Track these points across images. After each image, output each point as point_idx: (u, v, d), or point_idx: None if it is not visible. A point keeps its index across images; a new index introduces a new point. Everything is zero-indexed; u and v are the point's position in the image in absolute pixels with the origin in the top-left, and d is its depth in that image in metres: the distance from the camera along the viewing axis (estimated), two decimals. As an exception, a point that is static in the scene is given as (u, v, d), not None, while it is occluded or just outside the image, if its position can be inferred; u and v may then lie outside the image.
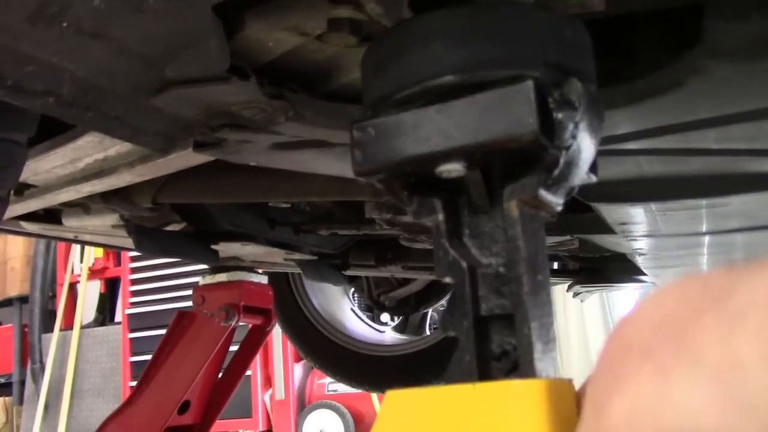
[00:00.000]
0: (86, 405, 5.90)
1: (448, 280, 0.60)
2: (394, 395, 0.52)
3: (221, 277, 2.94)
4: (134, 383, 5.37)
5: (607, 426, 0.25)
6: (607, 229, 1.57)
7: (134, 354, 5.76)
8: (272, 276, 3.18)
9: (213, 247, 2.14)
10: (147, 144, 0.87)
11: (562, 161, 0.58)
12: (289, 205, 2.15)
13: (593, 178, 0.64)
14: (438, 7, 0.61)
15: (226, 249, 2.24)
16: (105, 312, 6.53)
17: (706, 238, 1.64)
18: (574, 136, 0.58)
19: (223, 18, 0.72)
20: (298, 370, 5.67)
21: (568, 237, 2.06)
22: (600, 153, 1.04)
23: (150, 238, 1.95)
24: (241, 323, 2.86)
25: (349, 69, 0.86)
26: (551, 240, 2.17)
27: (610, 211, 1.35)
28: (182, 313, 2.89)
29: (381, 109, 0.63)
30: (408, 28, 0.62)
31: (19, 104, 0.73)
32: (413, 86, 0.60)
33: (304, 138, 0.95)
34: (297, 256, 2.43)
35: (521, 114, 0.56)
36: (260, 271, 3.04)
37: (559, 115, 0.58)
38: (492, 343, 0.59)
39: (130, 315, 5.90)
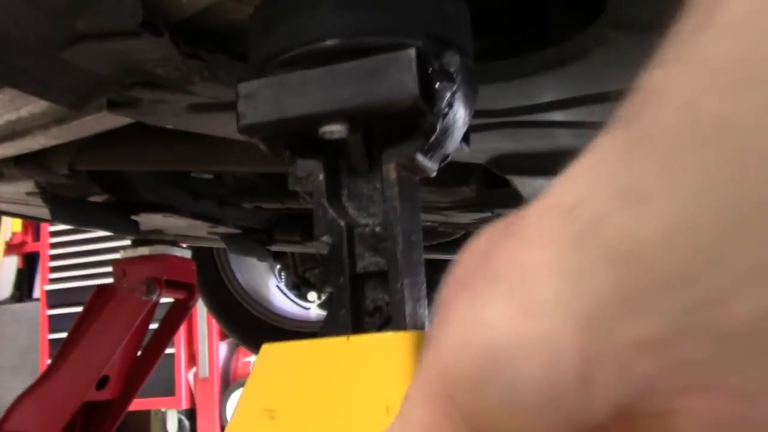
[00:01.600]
0: (1, 383, 5.74)
1: (326, 238, 0.64)
2: (270, 348, 0.55)
3: (143, 250, 2.89)
4: (52, 361, 5.23)
5: (437, 361, 0.27)
6: (524, 203, 1.61)
7: (53, 331, 5.62)
8: (196, 251, 3.14)
9: (134, 218, 2.11)
10: (57, 100, 0.85)
11: (438, 128, 0.62)
12: (212, 177, 2.14)
13: (465, 148, 0.69)
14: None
15: (147, 221, 2.20)
16: (23, 288, 6.34)
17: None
18: (450, 105, 0.62)
19: (135, -30, 0.72)
20: (223, 348, 5.63)
21: (489, 214, 2.10)
22: (516, 124, 1.07)
23: (67, 207, 1.90)
24: (163, 298, 2.83)
25: (267, 29, 0.86)
26: (474, 217, 2.21)
27: (524, 185, 1.39)
28: (102, 287, 2.84)
29: (267, 68, 0.65)
30: None
31: None
32: (300, 47, 0.63)
33: (220, 100, 0.95)
34: (221, 229, 2.41)
35: (403, 80, 0.59)
36: (184, 245, 3.00)
37: (438, 85, 0.61)
38: (366, 300, 0.63)
39: (49, 291, 5.75)
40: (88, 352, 2.75)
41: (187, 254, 3.00)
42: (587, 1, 0.83)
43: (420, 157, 0.64)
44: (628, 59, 0.81)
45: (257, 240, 2.67)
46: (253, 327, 3.48)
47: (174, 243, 2.89)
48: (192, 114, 0.99)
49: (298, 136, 0.65)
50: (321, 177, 0.66)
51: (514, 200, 1.67)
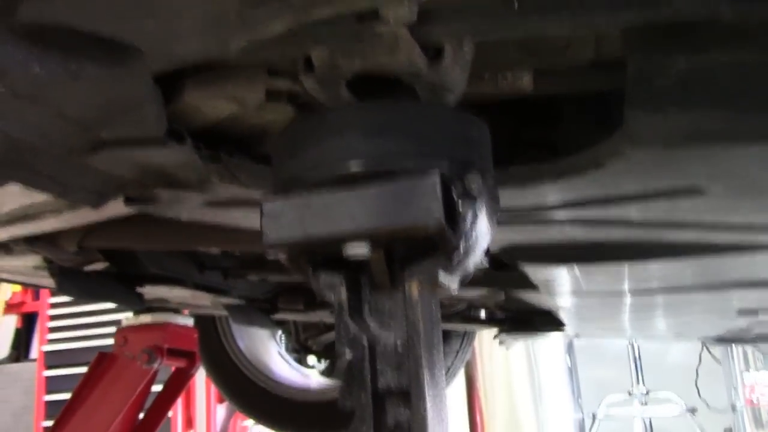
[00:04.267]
0: (-5, 445, 5.64)
1: (348, 355, 0.64)
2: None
3: (145, 318, 2.88)
4: (48, 423, 5.14)
5: None
6: (531, 286, 1.61)
7: (49, 392, 5.54)
8: (198, 317, 3.13)
9: (138, 290, 2.11)
10: (79, 200, 0.86)
11: (462, 248, 0.63)
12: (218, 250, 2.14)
13: (486, 263, 0.69)
14: (373, 93, 0.65)
15: (152, 292, 2.20)
16: (20, 348, 6.29)
17: (627, 298, 1.70)
18: (473, 225, 0.63)
19: (162, 84, 0.73)
20: (220, 411, 5.55)
21: (494, 288, 2.10)
22: (524, 221, 1.08)
23: (73, 280, 1.90)
24: (164, 366, 2.81)
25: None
26: (478, 292, 2.21)
27: (534, 271, 1.39)
28: (103, 354, 2.82)
29: (292, 188, 0.66)
30: (325, 119, 0.66)
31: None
32: (325, 170, 0.64)
33: (237, 198, 0.96)
34: (225, 300, 2.41)
35: (429, 206, 0.60)
36: (186, 312, 2.99)
37: (461, 206, 0.62)
38: (387, 416, 0.63)
39: (47, 352, 5.69)
40: (88, 419, 2.72)
41: (189, 321, 2.98)
42: (597, 110, 0.85)
43: (442, 276, 0.64)
44: (641, 168, 0.83)
45: (261, 309, 2.66)
46: (254, 394, 3.44)
47: (176, 310, 2.88)
48: (207, 209, 1.00)
49: (321, 254, 0.66)
50: (343, 293, 0.67)
51: (521, 283, 1.67)
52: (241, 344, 3.44)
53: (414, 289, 0.64)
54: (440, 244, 0.63)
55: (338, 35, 0.62)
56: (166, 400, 3.01)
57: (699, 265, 1.30)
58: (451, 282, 0.66)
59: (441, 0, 0.61)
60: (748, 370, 5.54)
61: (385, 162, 0.62)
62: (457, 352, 3.49)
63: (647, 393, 6.52)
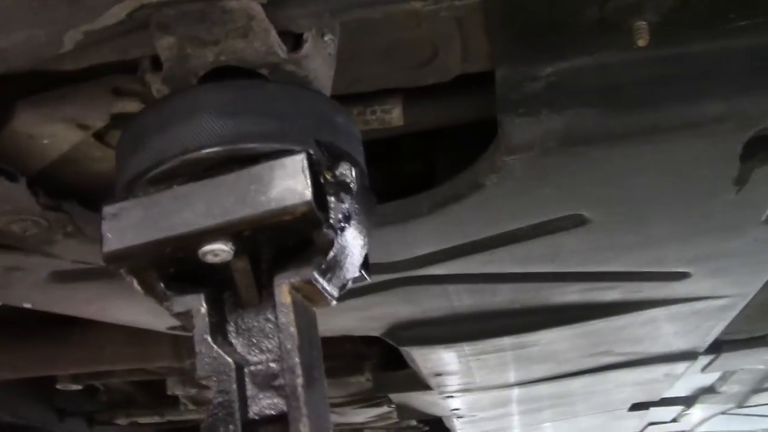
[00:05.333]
0: None
1: (212, 382, 0.54)
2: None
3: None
4: None
5: None
6: (423, 385, 1.53)
7: None
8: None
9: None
10: None
11: (336, 243, 0.55)
12: (80, 388, 1.94)
13: (367, 278, 0.62)
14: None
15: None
16: None
17: (515, 391, 1.64)
18: (347, 219, 0.56)
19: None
20: None
21: (386, 408, 2.00)
22: (409, 281, 1.02)
23: None
24: None
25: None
26: (370, 414, 2.09)
27: (424, 359, 1.32)
28: None
29: (136, 187, 0.57)
30: (170, 102, 0.58)
31: None
32: (174, 160, 0.55)
33: (87, 264, 0.85)
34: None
35: (294, 186, 0.53)
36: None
37: (332, 196, 0.56)
38: None
39: None
40: None
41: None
42: (473, 138, 0.82)
43: (317, 278, 0.56)
44: (521, 185, 0.79)
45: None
46: None
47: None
48: (54, 286, 0.88)
49: (174, 264, 0.56)
50: (203, 310, 0.57)
51: (412, 383, 1.58)
52: None
53: (286, 294, 0.55)
54: (311, 238, 0.55)
55: (185, 16, 0.56)
56: None
57: (584, 335, 1.27)
58: (329, 288, 0.57)
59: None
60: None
61: (243, 145, 0.55)
62: None
63: None
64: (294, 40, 0.61)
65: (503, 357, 1.35)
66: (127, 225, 0.55)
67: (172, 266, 0.57)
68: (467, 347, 1.26)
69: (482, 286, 1.05)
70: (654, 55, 0.67)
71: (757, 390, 2.47)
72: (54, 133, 0.69)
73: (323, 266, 0.56)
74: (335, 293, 0.59)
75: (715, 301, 1.22)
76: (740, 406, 2.84)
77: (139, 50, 0.62)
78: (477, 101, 0.79)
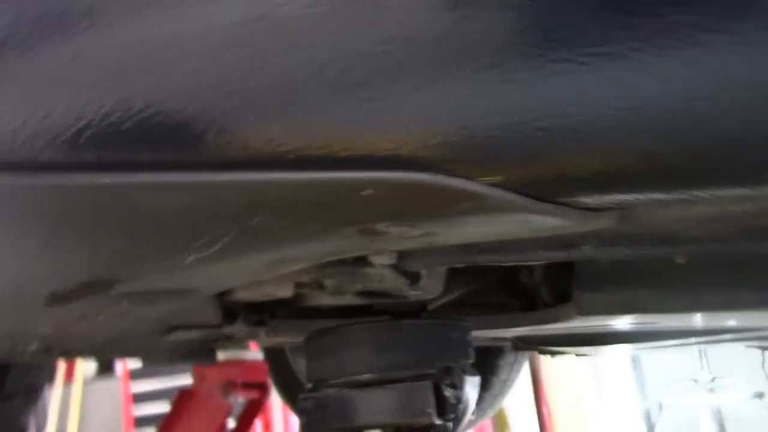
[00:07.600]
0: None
1: None
2: None
3: (219, 356, 3.15)
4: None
5: None
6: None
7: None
8: (267, 350, 3.37)
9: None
10: (156, 361, 1.13)
11: (453, 422, 0.85)
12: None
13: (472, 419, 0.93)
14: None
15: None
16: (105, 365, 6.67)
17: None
18: (457, 411, 0.85)
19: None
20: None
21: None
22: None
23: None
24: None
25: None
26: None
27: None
28: (183, 392, 3.11)
29: (320, 386, 0.89)
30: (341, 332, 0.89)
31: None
32: (343, 377, 0.87)
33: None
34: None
35: (422, 405, 0.82)
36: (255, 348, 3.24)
37: (449, 396, 0.84)
38: None
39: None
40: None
41: (259, 356, 3.24)
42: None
43: None
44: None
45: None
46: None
47: (246, 347, 3.14)
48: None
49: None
50: None
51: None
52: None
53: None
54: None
55: (340, 273, 0.84)
56: (243, 429, 3.28)
57: None
58: None
59: (414, 248, 0.83)
60: (815, 351, 5.51)
61: (391, 372, 0.85)
62: (512, 364, 3.65)
63: (713, 379, 6.50)
64: (414, 276, 0.88)
65: None
66: (313, 413, 0.88)
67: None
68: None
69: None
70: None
71: None
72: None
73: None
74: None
75: None
76: None
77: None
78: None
